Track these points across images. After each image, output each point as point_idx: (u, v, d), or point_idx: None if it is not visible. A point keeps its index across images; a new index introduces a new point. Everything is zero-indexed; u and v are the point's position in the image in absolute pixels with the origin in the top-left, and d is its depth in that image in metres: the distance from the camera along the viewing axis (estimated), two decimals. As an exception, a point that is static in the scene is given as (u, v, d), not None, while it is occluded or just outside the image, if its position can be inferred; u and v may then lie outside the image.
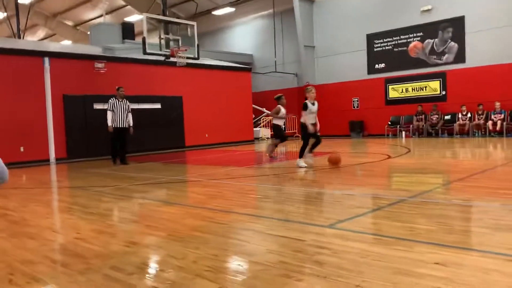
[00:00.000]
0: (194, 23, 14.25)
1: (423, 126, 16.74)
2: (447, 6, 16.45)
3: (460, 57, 16.36)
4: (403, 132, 17.24)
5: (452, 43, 16.49)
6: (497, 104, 15.10)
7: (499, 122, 14.84)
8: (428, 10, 16.96)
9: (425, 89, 17.32)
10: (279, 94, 10.48)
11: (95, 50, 14.72)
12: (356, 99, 19.49)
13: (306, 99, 8.31)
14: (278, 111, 10.03)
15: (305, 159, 8.48)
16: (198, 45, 14.12)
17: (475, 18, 15.79)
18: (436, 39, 16.87)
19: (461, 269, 2.58)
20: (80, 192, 6.66)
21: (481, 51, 15.73)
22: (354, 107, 19.57)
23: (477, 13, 15.73)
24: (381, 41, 18.51)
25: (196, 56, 14.04)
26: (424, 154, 10.26)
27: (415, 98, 17.49)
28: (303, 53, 20.54)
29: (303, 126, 8.24)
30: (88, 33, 20.66)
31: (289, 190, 5.89)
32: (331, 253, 2.99)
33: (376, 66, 18.77)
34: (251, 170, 8.91)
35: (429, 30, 16.98)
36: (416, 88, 17.57)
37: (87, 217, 4.66)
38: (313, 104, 8.25)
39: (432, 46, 16.98)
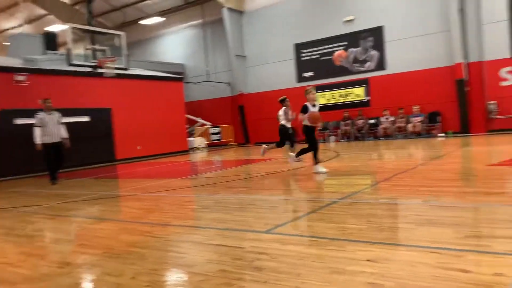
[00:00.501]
0: (122, 33, 13.92)
1: (350, 130, 17.57)
2: (367, 17, 17.48)
3: (380, 64, 17.44)
4: (332, 137, 17.98)
5: (373, 51, 17.54)
6: (416, 108, 16.29)
7: (418, 124, 15.98)
8: (350, 21, 17.91)
9: (350, 96, 18.25)
10: (283, 97, 10.32)
11: (15, 62, 13.84)
12: (288, 107, 19.97)
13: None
14: (287, 113, 9.91)
15: (296, 160, 8.49)
16: (127, 55, 13.80)
17: (393, 28, 16.94)
18: (358, 48, 17.86)
19: (391, 264, 2.76)
20: (3, 214, 6.21)
21: (399, 58, 16.88)
22: (286, 114, 20.03)
23: (395, 23, 16.88)
24: (308, 50, 19.23)
25: (125, 66, 13.71)
26: (352, 157, 10.76)
27: (342, 104, 18.35)
28: (235, 62, 20.77)
29: (307, 129, 7.87)
30: (6, 43, 19.38)
31: (226, 199, 5.92)
32: (270, 258, 3.06)
33: (305, 74, 19.45)
34: (187, 181, 8.83)
35: (352, 39, 17.93)
36: (342, 95, 18.45)
37: (13, 240, 4.37)
38: (313, 106, 7.97)
39: (355, 55, 17.95)
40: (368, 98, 17.81)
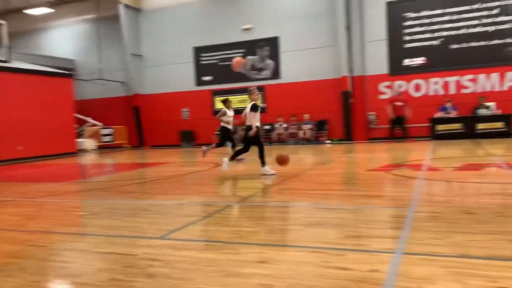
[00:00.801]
0: (3, 22, 12.62)
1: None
2: (264, 27, 18.15)
3: (276, 73, 18.21)
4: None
5: (269, 60, 18.26)
6: (306, 116, 17.31)
7: (308, 131, 16.99)
8: (248, 29, 18.43)
9: (248, 102, 18.69)
10: (225, 97, 10.31)
11: None
12: (186, 110, 19.86)
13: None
14: (224, 114, 9.78)
15: (230, 165, 8.16)
16: (8, 47, 12.53)
17: (288, 39, 17.82)
18: (256, 56, 18.45)
19: (281, 265, 2.89)
20: None
21: (293, 69, 17.79)
22: (183, 117, 19.90)
23: (289, 35, 17.77)
24: (208, 54, 19.34)
25: (6, 58, 12.45)
26: (248, 161, 11.04)
27: (239, 109, 18.68)
28: (130, 61, 20.05)
29: (248, 129, 7.87)
30: None
31: (117, 204, 5.68)
32: (163, 264, 3.01)
33: (204, 78, 19.50)
34: (75, 185, 8.27)
35: (250, 47, 18.45)
36: (240, 101, 18.84)
37: None
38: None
39: (253, 62, 18.50)
40: (264, 105, 18.44)
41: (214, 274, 2.75)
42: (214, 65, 19.21)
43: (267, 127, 17.95)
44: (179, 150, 17.77)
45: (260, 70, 18.44)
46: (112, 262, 3.15)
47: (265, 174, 7.64)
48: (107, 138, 20.01)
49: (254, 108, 7.82)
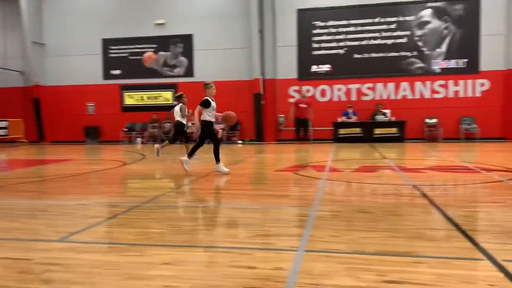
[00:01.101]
0: None
1: (157, 133, 17.61)
2: (178, 23, 17.90)
3: (189, 71, 18.05)
4: (138, 139, 17.69)
5: (183, 58, 18.04)
6: (219, 116, 17.38)
7: (220, 131, 17.07)
8: (161, 24, 18.03)
9: (159, 99, 18.32)
10: (180, 93, 9.91)
11: None
12: (92, 104, 18.87)
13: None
14: (184, 109, 9.38)
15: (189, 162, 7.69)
16: None
17: (202, 38, 17.77)
18: (169, 52, 18.11)
19: (187, 266, 2.89)
20: None
21: (207, 67, 17.77)
22: (89, 112, 18.88)
23: (204, 33, 17.73)
24: (117, 47, 18.56)
25: None
26: (158, 160, 10.80)
27: (150, 106, 18.28)
28: (30, 49, 18.53)
29: (204, 125, 7.60)
30: None
31: (11, 204, 5.23)
32: (62, 268, 2.85)
33: (112, 72, 18.68)
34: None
35: (162, 43, 18.07)
36: (151, 97, 18.39)
37: None
38: (212, 100, 7.69)
39: (165, 59, 18.14)
40: (176, 102, 18.18)
41: (117, 277, 2.67)
42: (123, 59, 18.51)
43: (178, 125, 17.74)
44: (83, 146, 16.82)
45: (173, 67, 18.15)
46: (4, 267, 2.91)
47: (220, 172, 7.64)
48: (1, 132, 18.31)
49: (204, 103, 7.65)
